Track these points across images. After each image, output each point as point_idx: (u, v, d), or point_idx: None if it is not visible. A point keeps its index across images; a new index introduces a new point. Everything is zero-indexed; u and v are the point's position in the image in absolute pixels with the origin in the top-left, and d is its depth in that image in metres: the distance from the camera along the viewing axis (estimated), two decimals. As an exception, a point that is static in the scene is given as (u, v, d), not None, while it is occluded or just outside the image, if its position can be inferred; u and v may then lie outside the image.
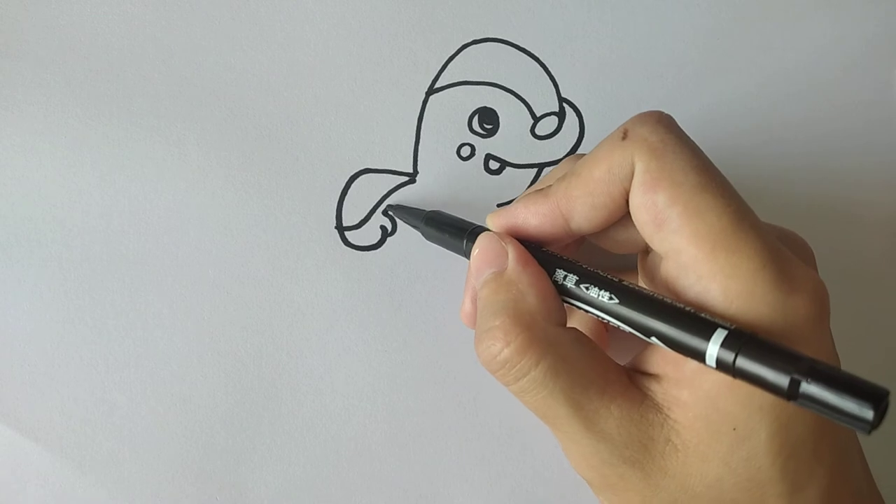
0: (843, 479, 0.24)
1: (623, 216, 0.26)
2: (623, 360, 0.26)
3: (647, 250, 0.27)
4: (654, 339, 0.23)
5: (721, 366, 0.22)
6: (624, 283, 0.25)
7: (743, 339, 0.21)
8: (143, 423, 0.32)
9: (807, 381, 0.20)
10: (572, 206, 0.26)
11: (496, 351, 0.25)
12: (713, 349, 0.22)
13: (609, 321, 0.24)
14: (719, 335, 0.22)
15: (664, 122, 0.25)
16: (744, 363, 0.21)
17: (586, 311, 0.25)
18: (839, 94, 0.36)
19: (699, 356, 0.22)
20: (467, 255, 0.29)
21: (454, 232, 0.30)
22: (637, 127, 0.25)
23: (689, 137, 0.25)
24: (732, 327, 0.22)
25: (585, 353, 0.25)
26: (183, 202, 0.32)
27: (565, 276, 0.26)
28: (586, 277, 0.25)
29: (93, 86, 0.32)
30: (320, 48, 0.33)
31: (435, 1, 0.34)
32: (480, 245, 0.27)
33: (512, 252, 0.26)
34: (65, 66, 0.32)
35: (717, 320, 0.22)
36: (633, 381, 0.25)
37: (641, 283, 0.27)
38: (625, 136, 0.25)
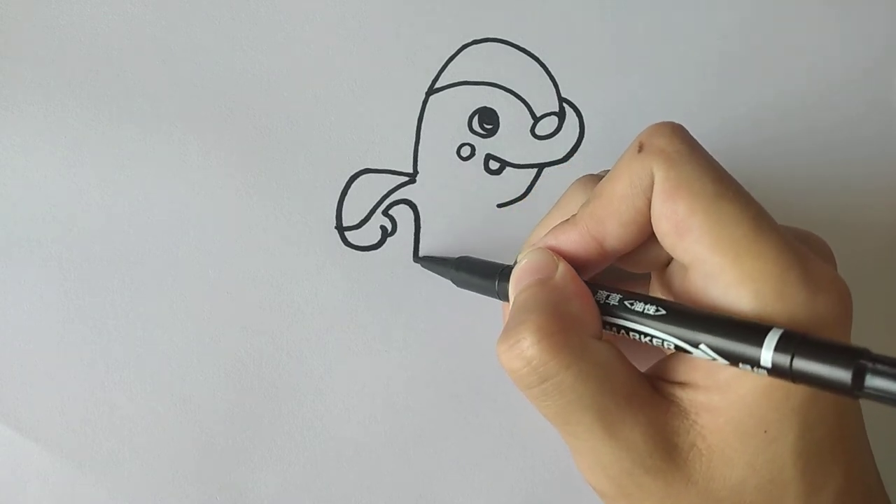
0: (856, 479, 0.25)
1: (651, 231, 0.25)
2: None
3: (664, 266, 0.27)
4: (702, 348, 0.23)
5: (776, 369, 0.21)
6: (665, 299, 0.24)
7: (796, 339, 0.21)
8: (143, 423, 0.31)
9: (872, 368, 0.20)
10: (603, 227, 0.26)
11: (524, 346, 0.23)
12: (767, 354, 0.21)
13: (653, 336, 0.24)
14: (771, 339, 0.21)
15: (678, 133, 0.25)
16: (801, 364, 0.21)
17: (627, 330, 0.25)
18: (841, 96, 0.36)
19: (752, 362, 0.22)
20: (500, 295, 0.28)
21: (486, 274, 0.29)
22: (652, 138, 0.25)
23: (702, 147, 0.25)
24: (784, 329, 0.21)
25: (615, 362, 0.25)
26: (183, 202, 0.32)
27: (608, 296, 0.25)
28: (629, 297, 0.25)
29: (93, 86, 0.32)
30: (320, 48, 0.33)
31: (435, 1, 0.34)
32: (529, 257, 0.27)
33: (563, 265, 0.26)
34: (65, 66, 0.32)
35: (767, 324, 0.22)
36: (656, 389, 0.25)
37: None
38: (641, 148, 0.25)
